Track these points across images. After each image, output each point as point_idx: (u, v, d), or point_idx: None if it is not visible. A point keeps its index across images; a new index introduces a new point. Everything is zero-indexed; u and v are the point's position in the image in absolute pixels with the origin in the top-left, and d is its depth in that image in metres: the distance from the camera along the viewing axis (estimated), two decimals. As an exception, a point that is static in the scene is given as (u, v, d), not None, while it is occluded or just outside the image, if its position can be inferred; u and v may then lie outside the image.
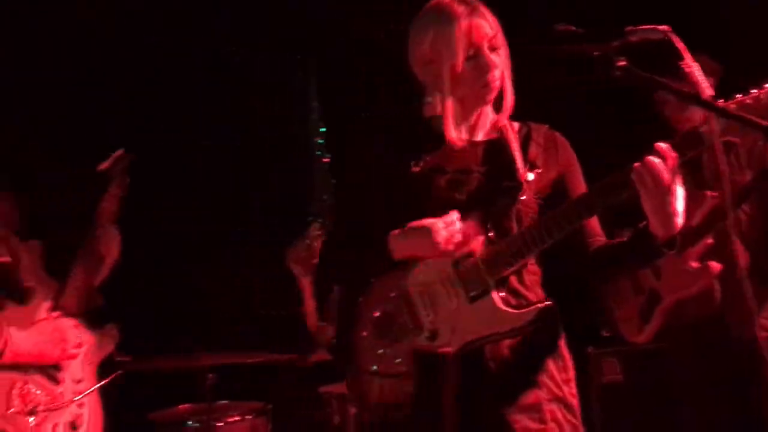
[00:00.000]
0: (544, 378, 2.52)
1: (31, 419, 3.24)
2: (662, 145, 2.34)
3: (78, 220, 4.39)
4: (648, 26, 2.38)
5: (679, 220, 2.34)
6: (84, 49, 4.81)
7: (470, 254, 2.48)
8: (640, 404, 4.03)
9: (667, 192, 2.31)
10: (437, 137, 2.64)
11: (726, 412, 3.62)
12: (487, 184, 2.56)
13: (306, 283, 4.02)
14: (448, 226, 2.44)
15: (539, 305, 2.47)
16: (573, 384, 2.58)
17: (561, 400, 2.53)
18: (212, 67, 5.11)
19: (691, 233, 3.53)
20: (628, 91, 4.70)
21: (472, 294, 2.47)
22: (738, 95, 2.30)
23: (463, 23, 2.54)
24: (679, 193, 2.33)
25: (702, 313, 3.67)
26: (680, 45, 2.35)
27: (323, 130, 4.70)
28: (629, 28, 2.38)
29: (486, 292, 2.47)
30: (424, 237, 2.44)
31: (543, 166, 2.60)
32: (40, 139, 4.69)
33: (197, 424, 3.78)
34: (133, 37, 4.90)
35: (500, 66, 2.58)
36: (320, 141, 4.67)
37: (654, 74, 2.32)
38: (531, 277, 2.57)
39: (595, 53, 2.34)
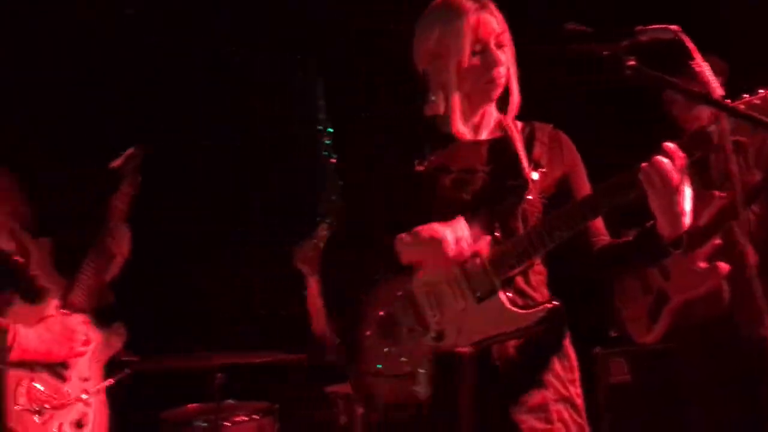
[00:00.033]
0: (550, 378, 2.52)
1: (36, 417, 3.24)
2: (670, 145, 2.34)
3: (77, 219, 4.40)
4: (658, 26, 2.38)
5: (687, 220, 2.35)
6: (84, 49, 4.80)
7: (476, 254, 2.48)
8: (648, 404, 4.02)
9: (675, 192, 2.31)
10: (440, 136, 2.64)
11: (735, 412, 3.62)
12: (492, 184, 2.56)
13: (313, 283, 4.02)
14: (459, 240, 2.43)
15: (548, 305, 2.47)
16: (578, 384, 2.59)
17: (567, 400, 2.53)
18: (212, 67, 5.10)
19: (699, 234, 3.54)
20: (628, 92, 4.72)
21: (478, 294, 2.47)
22: (745, 95, 2.30)
23: (472, 17, 2.55)
24: (687, 193, 2.33)
25: (711, 313, 3.68)
26: (690, 45, 2.35)
27: (330, 130, 4.69)
28: (639, 27, 2.38)
29: (493, 292, 2.47)
30: (435, 249, 2.43)
31: (547, 165, 2.60)
32: (40, 139, 4.69)
33: (205, 424, 3.78)
34: (133, 37, 4.90)
35: (506, 63, 2.58)
36: (327, 141, 4.66)
37: (663, 73, 2.32)
38: (537, 277, 2.57)
39: (604, 53, 2.34)
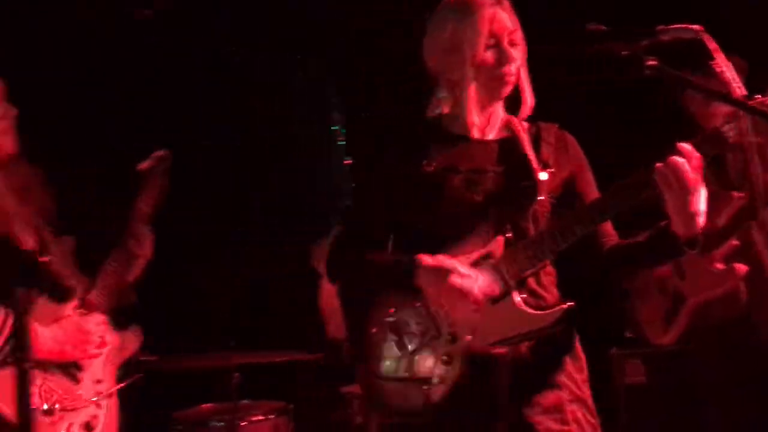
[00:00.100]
0: (563, 379, 2.52)
1: (46, 417, 3.20)
2: (685, 145, 2.34)
3: (76, 219, 4.39)
4: (680, 25, 2.38)
5: (701, 220, 2.35)
6: (84, 49, 4.80)
7: (489, 255, 2.48)
8: (664, 406, 4.00)
9: (690, 192, 2.31)
10: (446, 136, 2.64)
11: (752, 413, 3.60)
12: (503, 184, 2.56)
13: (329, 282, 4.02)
14: (482, 294, 2.43)
15: (563, 306, 2.47)
16: (588, 384, 2.59)
17: (581, 401, 2.54)
18: (212, 67, 5.10)
19: (716, 234, 3.53)
20: (628, 92, 4.72)
21: (492, 295, 2.46)
22: (757, 96, 2.29)
23: (488, 11, 2.54)
24: (702, 194, 2.33)
25: (728, 314, 3.65)
26: (712, 44, 2.35)
27: (344, 131, 4.69)
28: (660, 27, 2.38)
29: (507, 294, 2.46)
30: (458, 298, 2.43)
31: (555, 165, 2.60)
32: (39, 138, 4.68)
33: (221, 424, 3.77)
34: (133, 37, 4.89)
35: (517, 62, 2.58)
36: (341, 142, 4.66)
37: (682, 72, 2.32)
38: (547, 277, 2.57)
39: (624, 52, 2.34)
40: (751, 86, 2.42)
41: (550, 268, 2.58)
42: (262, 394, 4.10)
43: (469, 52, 2.54)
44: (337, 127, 4.84)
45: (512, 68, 2.56)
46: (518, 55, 2.58)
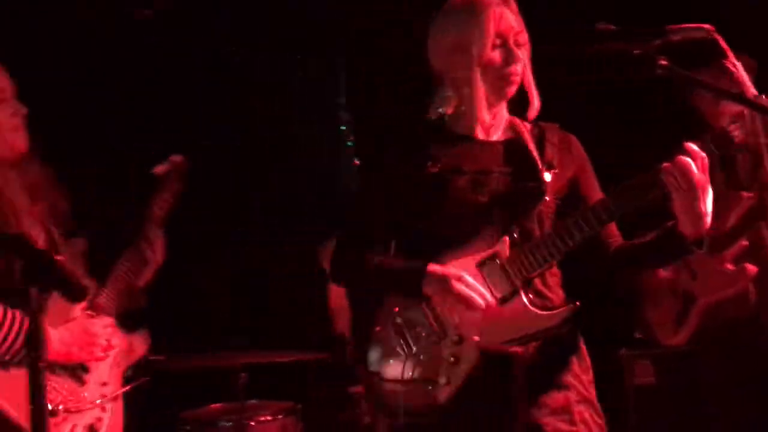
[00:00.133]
0: (570, 379, 2.53)
1: (49, 418, 3.18)
2: (692, 146, 2.34)
3: (76, 218, 4.38)
4: (691, 25, 2.38)
5: (708, 220, 2.36)
6: (84, 49, 4.80)
7: (495, 256, 2.48)
8: (674, 406, 3.99)
9: (698, 192, 2.32)
10: (449, 136, 2.64)
11: (762, 414, 3.60)
12: (509, 185, 2.56)
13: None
14: (489, 303, 2.44)
15: (571, 306, 2.48)
16: (594, 385, 2.60)
17: (588, 401, 2.55)
18: (212, 67, 5.10)
19: (726, 235, 3.53)
20: (628, 92, 4.72)
21: (499, 296, 2.47)
22: (764, 95, 2.29)
23: (496, 9, 2.54)
24: (709, 193, 2.34)
25: (737, 315, 3.65)
26: (723, 44, 2.35)
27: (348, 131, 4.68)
28: (671, 26, 2.39)
29: (515, 294, 2.47)
30: (465, 307, 2.45)
31: (559, 166, 2.60)
32: (39, 138, 4.68)
33: (230, 423, 3.76)
34: (133, 37, 4.89)
35: (523, 63, 2.58)
36: (349, 143, 4.65)
37: (691, 69, 2.32)
38: (553, 278, 2.58)
39: (635, 52, 2.34)
40: (760, 86, 2.43)
41: (555, 269, 2.59)
42: (269, 394, 4.08)
43: (476, 51, 2.53)
44: (345, 128, 4.83)
45: (518, 68, 2.57)
46: (524, 55, 2.58)
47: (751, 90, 2.29)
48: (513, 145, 2.63)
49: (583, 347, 2.60)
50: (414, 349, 2.52)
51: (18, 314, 3.04)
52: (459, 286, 2.43)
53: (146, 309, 3.67)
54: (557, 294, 2.57)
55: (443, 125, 2.67)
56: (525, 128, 2.67)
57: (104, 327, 3.36)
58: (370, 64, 5.17)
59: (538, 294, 2.51)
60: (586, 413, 2.52)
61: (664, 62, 2.30)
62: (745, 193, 3.57)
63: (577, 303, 2.48)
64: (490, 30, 2.52)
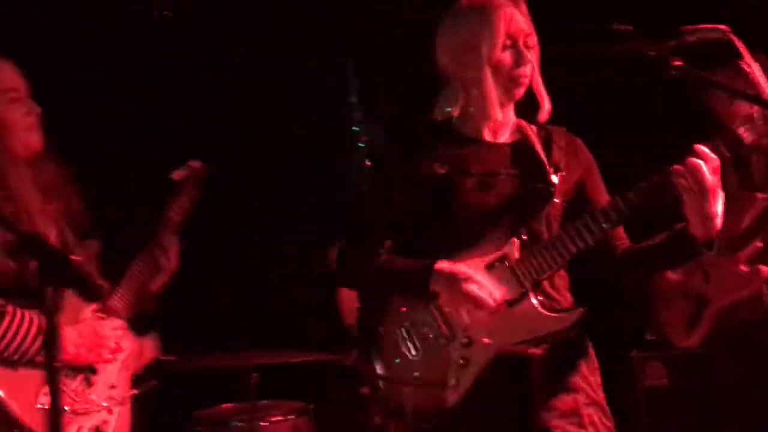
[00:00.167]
0: (579, 382, 2.54)
1: None
2: (703, 147, 2.34)
3: (127, 225, 4.37)
4: (706, 25, 2.38)
5: (719, 222, 2.36)
6: (84, 49, 4.79)
7: (504, 257, 2.48)
8: (686, 408, 3.98)
9: (709, 194, 2.32)
10: (455, 138, 2.64)
11: None
12: (517, 187, 2.56)
13: None
14: (498, 303, 2.44)
15: (581, 308, 2.48)
16: (602, 388, 2.61)
17: (597, 404, 2.56)
18: (212, 67, 5.09)
19: (740, 236, 3.52)
20: (628, 92, 4.72)
21: (508, 298, 2.47)
22: None
23: (507, 10, 2.54)
24: (720, 195, 2.34)
25: (751, 317, 3.63)
26: (740, 44, 2.35)
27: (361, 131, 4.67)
28: (686, 27, 2.39)
29: (524, 296, 2.46)
30: (474, 306, 2.45)
31: (566, 168, 2.61)
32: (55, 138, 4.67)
33: (242, 424, 3.75)
34: (133, 37, 4.89)
35: (532, 65, 2.58)
36: (361, 144, 4.64)
37: (706, 70, 2.32)
38: (561, 281, 2.59)
39: (650, 53, 2.34)
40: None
41: (563, 272, 2.59)
42: (280, 394, 4.08)
43: (486, 51, 2.53)
44: (358, 128, 4.82)
45: (527, 70, 2.57)
46: (533, 57, 2.58)
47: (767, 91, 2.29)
48: (520, 147, 2.63)
49: (591, 350, 2.61)
50: (421, 350, 2.51)
51: (27, 314, 3.03)
52: (469, 286, 2.43)
53: (157, 309, 3.67)
54: (565, 296, 2.58)
55: (449, 127, 2.67)
56: (532, 131, 2.67)
57: (114, 329, 3.34)
58: (370, 64, 5.16)
59: (547, 296, 2.52)
60: (595, 416, 2.53)
61: (678, 63, 2.31)
62: (759, 195, 3.55)
63: (587, 306, 2.48)
64: (500, 30, 2.52)
